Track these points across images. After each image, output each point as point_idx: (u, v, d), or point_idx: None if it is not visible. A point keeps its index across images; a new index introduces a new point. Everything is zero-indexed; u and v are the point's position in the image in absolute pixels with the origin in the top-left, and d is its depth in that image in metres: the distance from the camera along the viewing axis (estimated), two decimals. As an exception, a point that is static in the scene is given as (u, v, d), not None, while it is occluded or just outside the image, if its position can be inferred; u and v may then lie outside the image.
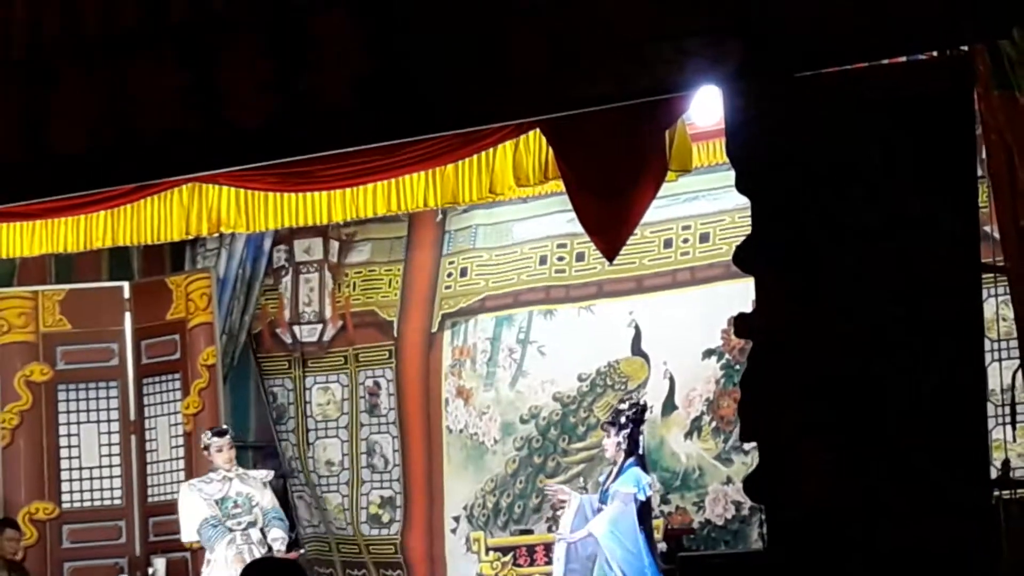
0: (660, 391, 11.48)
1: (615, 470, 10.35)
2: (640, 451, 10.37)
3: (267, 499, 10.90)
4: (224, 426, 11.34)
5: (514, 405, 11.98)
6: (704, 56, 6.32)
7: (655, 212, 10.76)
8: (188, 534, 10.89)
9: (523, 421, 11.94)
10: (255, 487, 10.89)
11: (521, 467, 11.94)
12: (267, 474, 11.13)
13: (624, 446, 10.29)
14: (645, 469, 10.38)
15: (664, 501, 11.15)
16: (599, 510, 10.30)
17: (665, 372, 11.49)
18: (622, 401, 11.07)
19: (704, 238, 11.36)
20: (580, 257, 11.73)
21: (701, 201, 11.28)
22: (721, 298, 10.91)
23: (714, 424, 11.28)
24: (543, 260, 11.95)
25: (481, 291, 12.21)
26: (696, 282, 11.38)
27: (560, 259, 11.89)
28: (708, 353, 11.31)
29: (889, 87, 6.26)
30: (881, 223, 6.13)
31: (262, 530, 10.73)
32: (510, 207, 11.84)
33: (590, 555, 10.28)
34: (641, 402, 10.81)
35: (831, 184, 6.22)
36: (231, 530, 10.64)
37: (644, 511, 10.25)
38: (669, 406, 11.45)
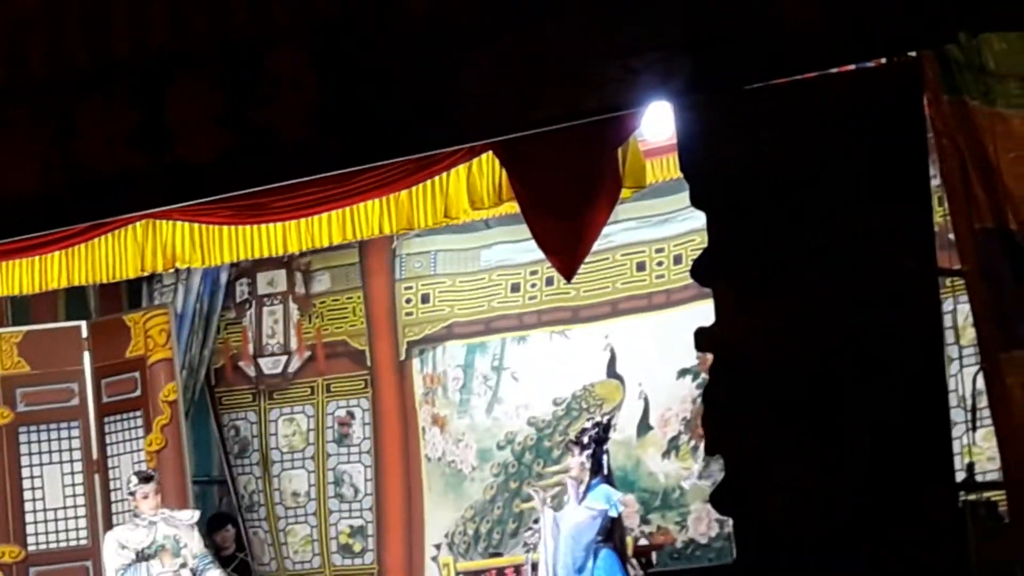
0: (635, 412, 11.48)
1: (582, 489, 10.35)
2: (605, 470, 10.37)
3: (195, 542, 10.85)
4: (151, 471, 11.30)
5: (490, 431, 11.98)
6: (652, 72, 6.32)
7: (626, 235, 10.86)
8: None
9: (499, 447, 11.95)
10: (182, 528, 10.84)
11: (498, 493, 11.93)
12: (193, 515, 11.06)
13: (588, 466, 10.30)
14: (612, 486, 10.38)
15: (644, 521, 11.14)
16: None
17: (640, 393, 11.48)
18: (588, 420, 11.05)
19: (678, 260, 11.34)
20: (549, 282, 11.70)
21: (673, 223, 11.27)
22: (696, 318, 10.83)
23: (692, 443, 11.25)
24: (515, 287, 11.92)
25: (446, 318, 12.18)
26: (672, 304, 11.38)
27: (532, 285, 11.86)
28: (683, 372, 11.28)
29: (839, 96, 6.27)
30: (836, 231, 6.14)
31: (192, 571, 10.69)
32: (474, 233, 11.83)
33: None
34: (604, 421, 10.78)
35: (785, 194, 6.23)
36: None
37: (614, 527, 10.25)
38: (644, 427, 11.44)
